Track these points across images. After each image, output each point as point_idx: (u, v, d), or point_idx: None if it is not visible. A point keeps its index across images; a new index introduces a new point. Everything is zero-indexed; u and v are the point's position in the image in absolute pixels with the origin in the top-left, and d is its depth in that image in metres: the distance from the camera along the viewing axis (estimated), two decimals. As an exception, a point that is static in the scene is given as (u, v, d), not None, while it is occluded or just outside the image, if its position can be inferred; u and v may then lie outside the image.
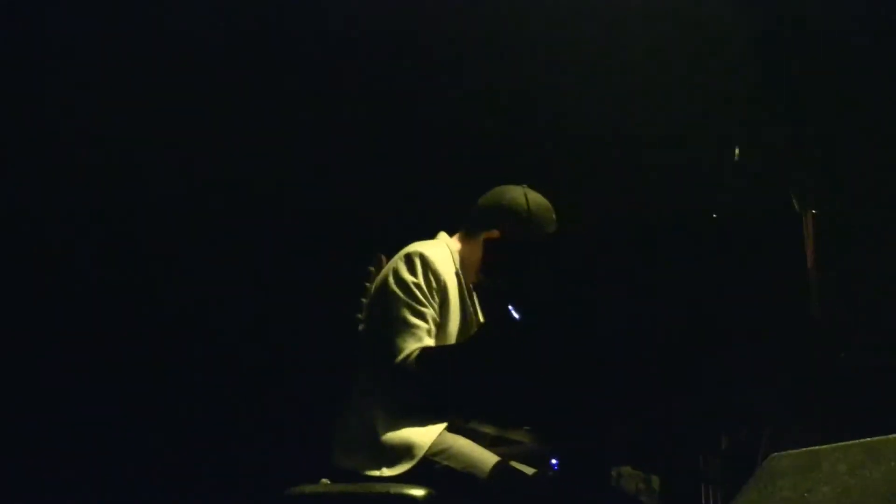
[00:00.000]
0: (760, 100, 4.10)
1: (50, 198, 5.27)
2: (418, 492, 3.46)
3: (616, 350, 3.20)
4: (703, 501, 3.69)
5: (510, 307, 3.30)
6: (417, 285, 3.68)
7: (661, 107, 5.19)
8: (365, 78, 5.47)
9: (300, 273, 5.40)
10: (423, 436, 3.60)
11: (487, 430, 3.67)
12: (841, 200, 4.28)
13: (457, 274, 3.84)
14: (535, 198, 3.87)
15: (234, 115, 5.34)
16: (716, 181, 3.91)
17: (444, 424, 3.63)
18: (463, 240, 3.92)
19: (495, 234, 3.82)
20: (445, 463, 3.56)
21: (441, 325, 3.71)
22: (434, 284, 3.70)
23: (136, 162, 5.30)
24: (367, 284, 3.93)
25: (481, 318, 3.91)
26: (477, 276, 3.88)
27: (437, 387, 3.37)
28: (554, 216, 3.85)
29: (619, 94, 5.28)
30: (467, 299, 3.86)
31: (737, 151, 3.71)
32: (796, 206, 3.59)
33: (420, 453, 3.56)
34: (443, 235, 3.96)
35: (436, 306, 3.69)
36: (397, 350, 3.58)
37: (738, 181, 3.85)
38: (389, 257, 3.88)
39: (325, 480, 3.64)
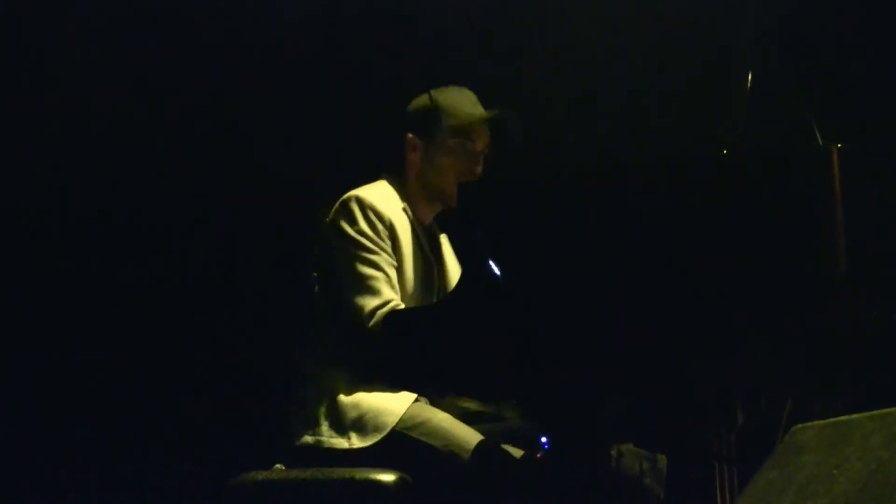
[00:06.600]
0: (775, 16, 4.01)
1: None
2: (388, 476, 3.26)
3: (614, 309, 3.04)
4: (717, 482, 3.61)
5: (490, 262, 3.11)
6: (361, 232, 3.51)
7: (656, 22, 5.05)
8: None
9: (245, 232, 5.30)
10: (395, 404, 3.44)
11: (467, 404, 3.54)
12: (873, 132, 4.21)
13: (405, 210, 3.67)
14: (444, 89, 3.78)
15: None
16: (723, 113, 3.79)
17: (416, 395, 3.49)
18: (396, 173, 3.78)
19: (412, 138, 3.72)
20: (423, 439, 3.39)
21: (397, 271, 3.55)
22: (379, 226, 3.53)
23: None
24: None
25: (448, 259, 3.80)
26: (430, 206, 3.77)
27: (409, 355, 3.22)
28: (474, 99, 3.76)
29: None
30: (424, 241, 3.70)
31: (749, 77, 3.55)
32: (819, 140, 3.45)
33: (391, 423, 3.41)
34: (384, 177, 3.79)
35: (388, 250, 3.53)
36: (358, 310, 3.40)
37: (751, 111, 3.63)
38: None
39: (279, 466, 3.47)
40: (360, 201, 3.56)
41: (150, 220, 5.27)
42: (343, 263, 3.50)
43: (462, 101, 3.74)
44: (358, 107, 5.21)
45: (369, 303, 3.40)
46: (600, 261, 3.10)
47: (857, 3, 4.84)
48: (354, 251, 3.50)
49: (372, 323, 3.37)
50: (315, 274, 3.70)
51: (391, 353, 3.28)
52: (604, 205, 3.18)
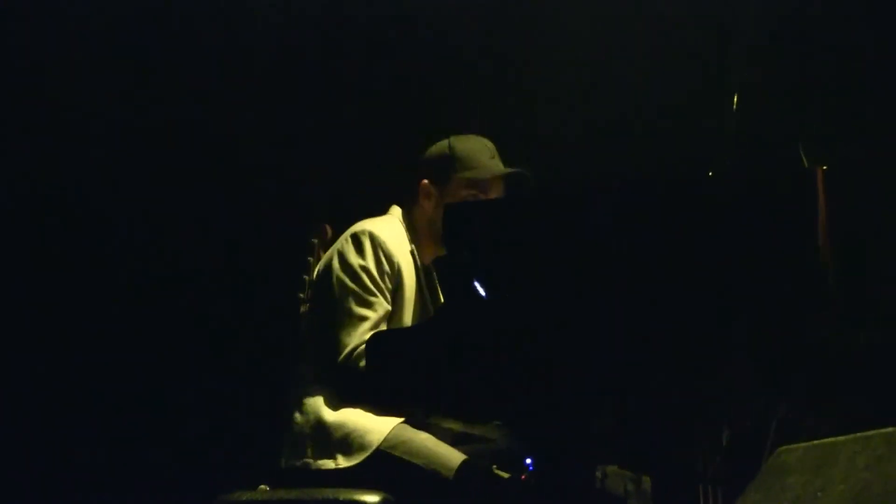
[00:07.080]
0: (761, 39, 3.99)
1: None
2: (372, 497, 3.27)
3: (599, 331, 2.99)
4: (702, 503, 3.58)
5: (474, 283, 3.05)
6: (366, 269, 3.51)
7: (643, 44, 5.04)
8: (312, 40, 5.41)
9: (233, 246, 5.28)
10: (380, 424, 3.44)
11: (451, 425, 3.51)
12: (858, 153, 4.19)
13: (412, 253, 3.66)
14: (463, 138, 3.78)
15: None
16: (711, 134, 3.76)
17: (401, 419, 3.47)
18: (407, 210, 3.79)
19: (426, 185, 3.73)
20: (406, 458, 3.39)
21: (394, 315, 3.54)
22: (386, 268, 3.53)
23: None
24: (310, 259, 3.75)
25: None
26: (435, 250, 3.71)
27: (390, 378, 3.14)
28: (492, 151, 3.76)
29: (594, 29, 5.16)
30: (423, 284, 3.69)
31: (735, 98, 3.53)
32: (805, 162, 3.34)
33: (376, 441, 3.41)
34: (395, 210, 3.80)
35: (388, 294, 3.53)
36: (340, 346, 3.41)
37: (738, 133, 3.62)
38: (335, 228, 3.70)
39: (263, 486, 3.46)
40: (373, 238, 3.56)
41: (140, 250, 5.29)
42: (340, 295, 3.50)
43: (480, 154, 3.74)
44: (358, 108, 5.24)
45: (354, 340, 3.40)
46: (582, 284, 3.05)
47: (843, 23, 4.82)
48: (353, 285, 3.50)
49: (351, 360, 3.38)
50: (302, 295, 3.71)
51: (371, 383, 3.21)
52: (583, 226, 3.14)
